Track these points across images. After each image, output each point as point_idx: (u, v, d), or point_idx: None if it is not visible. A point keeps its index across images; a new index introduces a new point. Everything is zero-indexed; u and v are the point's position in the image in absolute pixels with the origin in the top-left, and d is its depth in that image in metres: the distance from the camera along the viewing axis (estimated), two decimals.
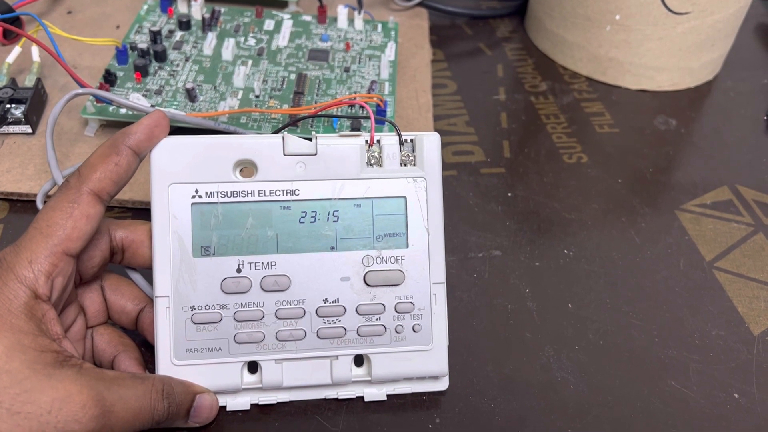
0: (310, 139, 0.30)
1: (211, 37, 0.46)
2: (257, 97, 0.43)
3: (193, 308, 0.29)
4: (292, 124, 0.38)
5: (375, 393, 0.31)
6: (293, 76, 0.44)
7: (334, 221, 0.30)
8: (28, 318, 0.25)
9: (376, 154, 0.31)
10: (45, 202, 0.34)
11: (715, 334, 0.35)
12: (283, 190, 0.30)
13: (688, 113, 0.50)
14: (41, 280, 0.25)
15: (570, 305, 0.36)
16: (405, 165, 0.31)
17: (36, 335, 0.25)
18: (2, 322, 0.24)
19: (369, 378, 0.31)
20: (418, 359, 0.31)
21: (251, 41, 0.47)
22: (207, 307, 0.29)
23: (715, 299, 0.37)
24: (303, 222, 0.30)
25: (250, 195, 0.29)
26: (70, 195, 0.26)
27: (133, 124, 0.28)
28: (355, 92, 0.44)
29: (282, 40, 0.47)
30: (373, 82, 0.45)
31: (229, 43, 0.45)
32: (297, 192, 0.30)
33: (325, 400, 0.31)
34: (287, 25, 0.49)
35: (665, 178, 0.44)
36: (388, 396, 0.31)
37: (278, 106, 0.42)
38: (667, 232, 0.41)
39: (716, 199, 0.43)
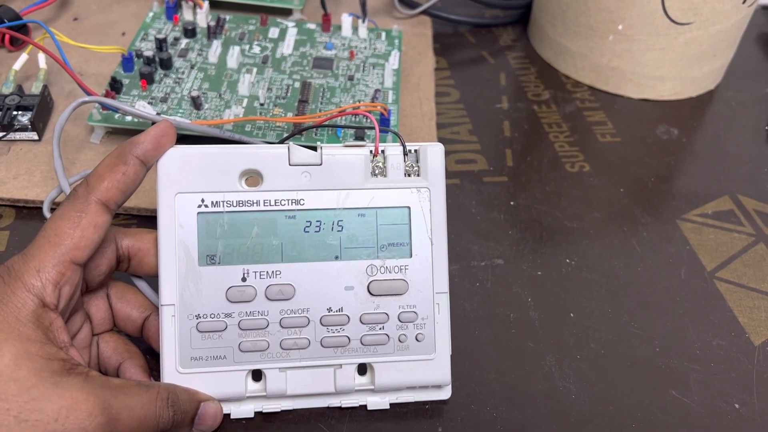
0: (315, 149, 0.30)
1: (216, 45, 0.46)
2: (262, 105, 0.43)
3: (198, 316, 0.29)
4: (297, 133, 0.38)
5: (378, 402, 0.31)
6: (297, 84, 0.45)
7: (338, 231, 0.30)
8: (36, 326, 0.25)
9: (380, 164, 0.31)
10: (52, 209, 0.34)
11: (715, 344, 0.35)
12: (288, 200, 0.30)
13: (690, 123, 0.50)
14: (49, 288, 0.26)
15: (572, 314, 0.36)
16: (409, 175, 0.31)
17: (43, 343, 0.25)
18: (10, 331, 0.25)
19: (372, 387, 0.31)
20: (421, 368, 0.31)
21: (256, 49, 0.47)
22: (212, 316, 0.29)
23: (716, 309, 0.37)
24: (308, 231, 0.30)
25: (255, 204, 0.30)
26: (78, 204, 0.27)
27: (140, 134, 0.28)
28: (359, 100, 0.44)
29: (286, 48, 0.48)
30: (377, 90, 0.45)
31: (234, 51, 0.46)
32: (302, 202, 0.30)
33: (328, 408, 0.31)
34: (292, 33, 0.49)
35: (667, 188, 0.45)
36: (391, 405, 0.32)
37: (283, 115, 0.42)
38: (669, 241, 0.41)
39: (717, 209, 0.43)
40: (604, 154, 0.47)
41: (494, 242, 0.40)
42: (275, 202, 0.30)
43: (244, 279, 0.30)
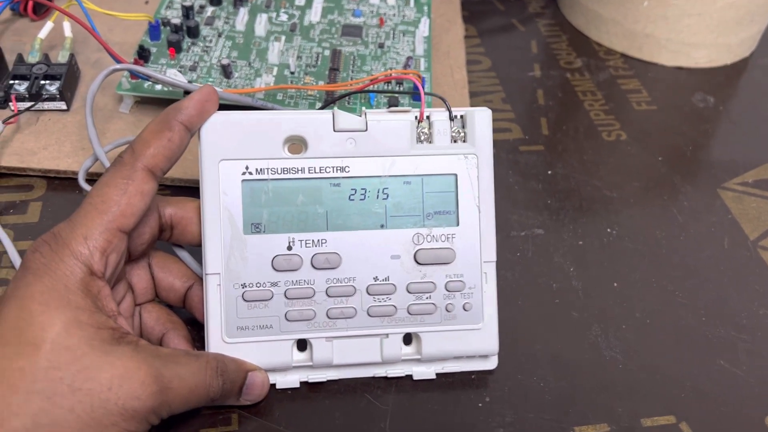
0: (359, 115, 0.30)
1: (243, 13, 0.45)
2: (292, 73, 0.42)
3: (244, 285, 0.29)
4: (332, 102, 0.37)
5: (424, 371, 0.31)
6: (327, 52, 0.44)
7: (384, 198, 0.30)
8: (85, 294, 0.25)
9: (425, 130, 0.30)
10: (87, 179, 0.34)
11: (762, 313, 0.35)
12: (333, 167, 0.29)
13: (726, 90, 0.49)
14: (96, 256, 0.25)
15: (615, 284, 0.36)
16: (455, 141, 0.30)
17: (93, 312, 0.25)
18: (59, 299, 0.24)
19: (419, 356, 0.30)
20: (469, 338, 0.30)
21: (283, 16, 0.46)
22: (258, 285, 0.29)
23: (760, 278, 0.37)
24: (353, 199, 0.29)
25: (300, 171, 0.29)
26: (124, 171, 0.26)
27: (184, 99, 0.28)
28: (391, 68, 0.43)
29: (314, 15, 0.47)
30: (408, 58, 0.44)
31: (262, 19, 0.44)
32: (347, 169, 0.29)
33: (374, 378, 0.31)
34: (319, 0, 0.48)
35: (705, 156, 0.44)
36: (437, 375, 0.31)
37: (314, 83, 0.42)
38: (710, 210, 0.40)
39: (758, 177, 0.43)
40: (640, 122, 0.46)
41: (533, 212, 0.39)
42: (320, 170, 0.29)
43: (289, 247, 0.29)
